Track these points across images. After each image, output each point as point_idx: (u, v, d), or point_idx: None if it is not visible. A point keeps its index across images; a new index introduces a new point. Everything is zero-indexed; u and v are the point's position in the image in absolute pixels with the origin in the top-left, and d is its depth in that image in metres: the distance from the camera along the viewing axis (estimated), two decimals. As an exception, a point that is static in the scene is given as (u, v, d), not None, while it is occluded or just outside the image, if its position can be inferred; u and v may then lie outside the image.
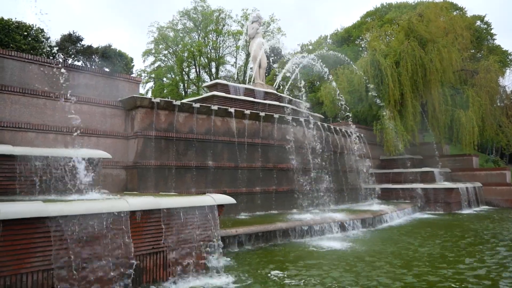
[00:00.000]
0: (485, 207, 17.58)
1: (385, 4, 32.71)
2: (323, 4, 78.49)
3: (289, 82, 17.76)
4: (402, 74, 18.21)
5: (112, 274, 4.41)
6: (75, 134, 8.09)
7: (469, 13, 27.48)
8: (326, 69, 16.37)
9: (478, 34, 25.72)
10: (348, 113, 17.14)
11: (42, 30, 15.10)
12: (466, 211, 15.69)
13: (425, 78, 18.40)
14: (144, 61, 40.63)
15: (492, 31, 28.24)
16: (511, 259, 6.70)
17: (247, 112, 11.31)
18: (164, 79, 40.95)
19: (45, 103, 8.16)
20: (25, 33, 14.64)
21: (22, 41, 14.16)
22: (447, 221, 12.52)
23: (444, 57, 18.19)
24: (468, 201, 16.37)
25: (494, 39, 28.30)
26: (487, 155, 30.28)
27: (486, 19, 28.31)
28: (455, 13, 24.66)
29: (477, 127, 18.77)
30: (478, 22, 27.65)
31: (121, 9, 63.30)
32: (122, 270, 4.51)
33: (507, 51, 27.56)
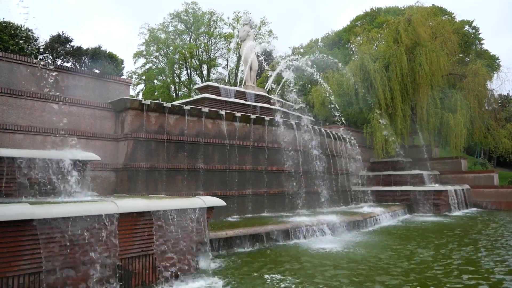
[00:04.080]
0: (473, 209, 17.79)
1: (374, 9, 33.05)
2: (329, 3, 78.94)
3: (280, 85, 17.80)
4: (392, 78, 18.41)
5: (100, 276, 4.36)
6: (64, 136, 8.01)
7: (458, 18, 27.92)
8: (316, 72, 16.45)
9: (467, 38, 26.08)
10: (338, 116, 17.24)
11: (31, 31, 14.94)
12: (454, 213, 15.86)
13: (414, 82, 18.62)
14: (135, 62, 40.45)
15: (480, 36, 28.67)
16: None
17: (238, 114, 11.31)
18: (155, 81, 40.76)
19: (33, 105, 8.06)
20: (13, 33, 14.47)
21: (10, 42, 13.98)
22: (436, 223, 12.63)
23: (433, 61, 18.42)
24: (456, 203, 16.56)
25: (482, 44, 28.74)
26: (475, 158, 30.68)
27: (474, 24, 28.74)
28: (443, 18, 24.99)
29: (465, 130, 19.03)
30: (467, 27, 28.06)
31: (124, 4, 62.78)
32: (110, 273, 4.46)
33: (495, 55, 28.00)
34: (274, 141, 12.28)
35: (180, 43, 39.19)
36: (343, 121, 17.91)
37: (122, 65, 23.02)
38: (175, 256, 5.19)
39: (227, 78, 39.56)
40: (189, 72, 40.60)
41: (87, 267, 4.28)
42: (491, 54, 27.86)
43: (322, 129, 14.84)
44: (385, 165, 19.70)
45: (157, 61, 40.68)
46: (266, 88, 17.37)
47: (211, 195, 8.45)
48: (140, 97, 38.77)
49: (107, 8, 65.65)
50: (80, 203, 4.55)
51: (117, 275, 4.55)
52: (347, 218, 10.60)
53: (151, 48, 39.63)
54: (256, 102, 13.79)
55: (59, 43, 16.92)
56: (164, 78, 40.55)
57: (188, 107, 10.14)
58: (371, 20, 31.06)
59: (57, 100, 8.20)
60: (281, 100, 15.81)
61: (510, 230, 10.83)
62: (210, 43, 39.83)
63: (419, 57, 18.47)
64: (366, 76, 18.71)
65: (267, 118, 12.03)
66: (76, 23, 59.22)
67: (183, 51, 37.71)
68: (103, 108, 9.26)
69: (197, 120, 10.46)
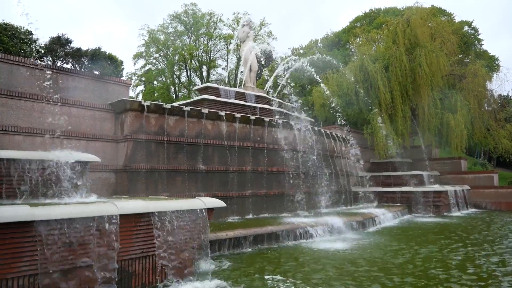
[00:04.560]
0: (473, 210, 17.79)
1: (374, 9, 33.08)
2: (329, 3, 78.81)
3: (280, 86, 17.80)
4: (392, 78, 18.42)
5: (100, 278, 4.35)
6: (64, 137, 7.99)
7: (457, 19, 27.94)
8: (315, 73, 16.45)
9: (466, 39, 26.11)
10: (339, 117, 17.24)
11: (30, 32, 14.95)
12: (454, 213, 15.86)
13: (414, 82, 18.63)
14: (134, 64, 40.46)
15: (479, 36, 28.68)
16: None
17: (238, 115, 11.30)
18: (155, 82, 40.77)
19: (33, 106, 8.05)
20: (13, 35, 14.47)
21: (9, 43, 13.99)
22: (436, 224, 12.62)
23: (433, 61, 18.44)
24: (456, 204, 16.56)
25: (481, 44, 28.74)
26: (475, 158, 30.67)
27: (473, 24, 28.76)
28: (443, 18, 25.03)
29: (465, 130, 19.03)
30: (466, 28, 28.07)
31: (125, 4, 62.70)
32: (110, 274, 4.45)
33: (494, 56, 28.00)
34: (274, 142, 12.27)
35: (180, 44, 39.21)
36: (343, 121, 17.92)
37: (122, 66, 23.04)
38: (175, 258, 5.18)
39: (226, 79, 39.57)
40: (188, 73, 40.61)
41: (87, 269, 4.27)
42: (491, 54, 27.87)
43: (322, 130, 14.84)
44: (385, 166, 19.70)
45: (156, 62, 40.69)
46: (266, 89, 17.37)
47: (211, 196, 8.43)
48: (139, 98, 38.78)
49: (107, 8, 65.73)
50: (80, 205, 4.54)
51: (117, 276, 4.53)
52: (347, 219, 10.58)
53: (151, 49, 39.64)
54: (256, 103, 13.78)
55: (58, 44, 16.94)
56: (164, 79, 40.56)
57: (188, 108, 10.13)
58: (370, 21, 31.09)
59: (56, 101, 8.19)
60: (281, 101, 15.80)
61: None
62: (209, 44, 39.84)
63: (419, 58, 18.49)
64: (366, 76, 18.73)
65: (266, 119, 12.02)
66: (76, 24, 59.35)
67: (183, 52, 37.73)
68: (102, 110, 9.25)
69: (197, 121, 10.45)
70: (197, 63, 39.74)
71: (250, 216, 11.09)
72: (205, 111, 10.50)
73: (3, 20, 15.10)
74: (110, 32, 63.27)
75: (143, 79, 40.46)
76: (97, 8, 65.24)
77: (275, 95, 17.78)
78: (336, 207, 14.38)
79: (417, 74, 18.38)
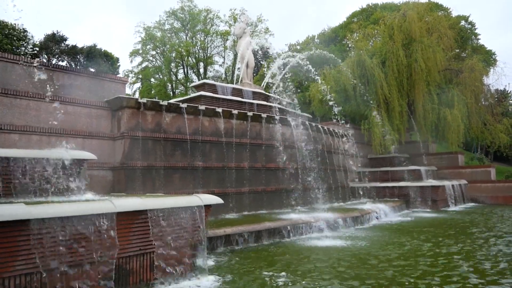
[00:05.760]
0: (471, 204, 17.85)
1: (371, 5, 33.01)
2: (329, 3, 78.50)
3: (277, 82, 17.76)
4: (388, 74, 18.43)
5: (97, 276, 4.34)
6: (60, 135, 7.96)
7: (454, 13, 27.88)
8: (313, 69, 16.43)
9: (463, 33, 26.07)
10: (336, 113, 17.24)
11: (25, 30, 14.85)
12: (452, 208, 15.92)
13: (411, 77, 18.64)
14: (131, 61, 40.29)
15: (476, 31, 28.63)
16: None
17: (235, 112, 11.28)
18: (152, 79, 40.62)
19: (29, 104, 8.01)
20: (8, 33, 14.37)
21: (4, 41, 13.89)
22: (434, 218, 12.67)
23: (429, 57, 18.45)
24: (454, 198, 16.61)
25: (478, 39, 28.69)
26: (472, 153, 30.76)
27: (470, 19, 28.72)
28: (439, 13, 24.99)
29: (462, 125, 19.07)
30: (463, 22, 28.01)
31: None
32: (107, 272, 4.45)
33: (491, 50, 27.98)
34: (272, 138, 12.26)
35: (177, 41, 39.05)
36: (340, 117, 17.93)
37: (118, 64, 22.96)
38: (172, 255, 5.18)
39: (223, 75, 39.49)
40: (185, 70, 40.49)
41: (84, 267, 4.26)
42: (487, 49, 27.82)
43: (319, 126, 14.84)
44: (382, 161, 19.73)
45: (153, 59, 40.55)
46: (263, 86, 17.33)
47: (209, 193, 8.42)
48: (137, 95, 38.67)
49: (107, 5, 65.28)
50: (77, 203, 4.52)
51: (115, 274, 4.53)
52: (345, 214, 10.61)
53: (147, 46, 39.48)
54: (253, 99, 13.76)
55: (53, 42, 16.84)
56: (161, 76, 40.43)
57: (184, 105, 10.10)
58: (367, 16, 31.02)
59: (52, 99, 8.14)
60: (278, 97, 15.79)
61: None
62: (206, 41, 39.71)
63: (416, 53, 18.49)
64: (363, 72, 18.73)
65: (264, 115, 12.01)
66: (75, 21, 58.93)
67: (180, 49, 37.59)
68: (99, 107, 9.21)
69: (194, 118, 10.42)
70: (194, 60, 39.62)
71: (248, 212, 11.10)
72: (202, 107, 10.48)
73: (-3, 17, 15.00)
74: (109, 29, 62.99)
75: (140, 76, 40.33)
76: (97, 5, 64.87)
77: (272, 91, 17.75)
78: (334, 202, 14.42)
79: (413, 69, 18.40)
